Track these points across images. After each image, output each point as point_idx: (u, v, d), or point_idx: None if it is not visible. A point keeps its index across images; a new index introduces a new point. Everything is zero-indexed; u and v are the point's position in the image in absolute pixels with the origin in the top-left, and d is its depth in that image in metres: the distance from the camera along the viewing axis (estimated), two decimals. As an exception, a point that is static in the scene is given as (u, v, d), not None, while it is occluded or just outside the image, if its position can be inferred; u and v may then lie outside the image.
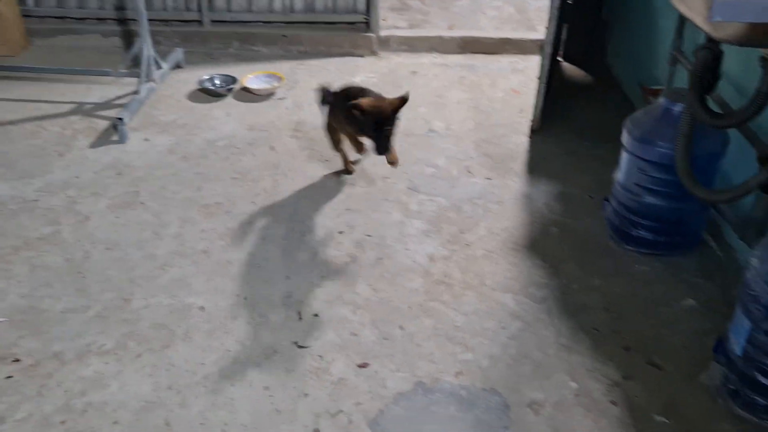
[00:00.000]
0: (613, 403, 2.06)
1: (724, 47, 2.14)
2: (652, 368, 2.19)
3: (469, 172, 3.27)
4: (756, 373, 1.94)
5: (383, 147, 2.67)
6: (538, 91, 3.46)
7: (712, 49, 2.17)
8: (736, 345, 1.98)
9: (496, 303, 2.47)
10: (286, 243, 2.75)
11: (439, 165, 3.32)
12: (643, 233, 2.65)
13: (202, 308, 2.42)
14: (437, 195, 3.08)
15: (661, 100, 2.55)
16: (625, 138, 2.60)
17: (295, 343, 2.28)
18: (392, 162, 2.87)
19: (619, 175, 2.68)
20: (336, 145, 3.12)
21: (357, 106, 2.61)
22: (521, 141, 3.54)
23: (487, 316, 2.41)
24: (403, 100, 2.64)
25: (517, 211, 2.98)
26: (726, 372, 2.04)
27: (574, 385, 2.13)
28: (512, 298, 2.49)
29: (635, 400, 2.07)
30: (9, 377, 2.14)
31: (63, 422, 2.00)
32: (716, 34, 1.90)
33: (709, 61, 2.19)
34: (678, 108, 2.43)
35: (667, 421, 2.00)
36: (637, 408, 2.04)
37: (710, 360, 2.14)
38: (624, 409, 2.04)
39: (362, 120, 2.65)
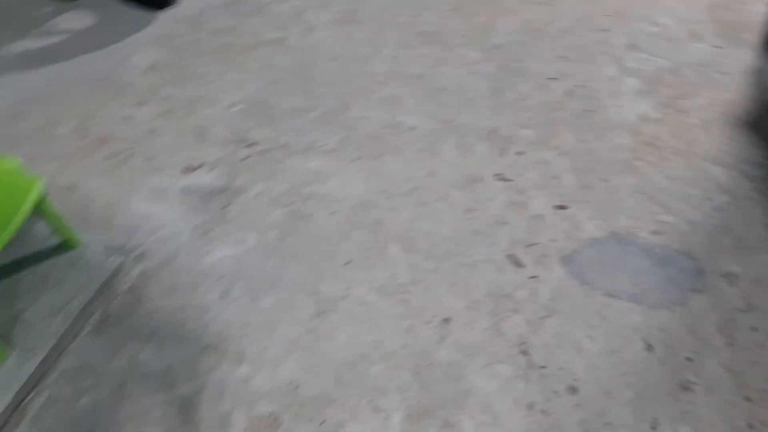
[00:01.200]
0: (816, 291, 2.02)
1: None
2: None
3: (697, 36, 3.06)
4: None
5: None
6: (798, -45, 3.08)
7: None
8: None
9: (704, 173, 2.41)
10: (496, 81, 2.79)
11: (664, 24, 3.12)
12: None
13: (413, 128, 2.57)
14: (657, 55, 2.93)
15: None
16: None
17: (499, 175, 2.39)
18: None
19: None
20: None
21: None
22: (761, 9, 3.22)
23: (693, 184, 2.37)
24: None
25: (745, 85, 2.79)
26: None
27: (775, 266, 2.10)
28: (723, 172, 2.42)
29: (840, 293, 2.01)
30: (246, 158, 2.44)
31: (290, 204, 2.28)
32: None
33: None
34: None
35: None
36: (841, 301, 2.00)
37: None
38: (826, 299, 2.00)
39: None
